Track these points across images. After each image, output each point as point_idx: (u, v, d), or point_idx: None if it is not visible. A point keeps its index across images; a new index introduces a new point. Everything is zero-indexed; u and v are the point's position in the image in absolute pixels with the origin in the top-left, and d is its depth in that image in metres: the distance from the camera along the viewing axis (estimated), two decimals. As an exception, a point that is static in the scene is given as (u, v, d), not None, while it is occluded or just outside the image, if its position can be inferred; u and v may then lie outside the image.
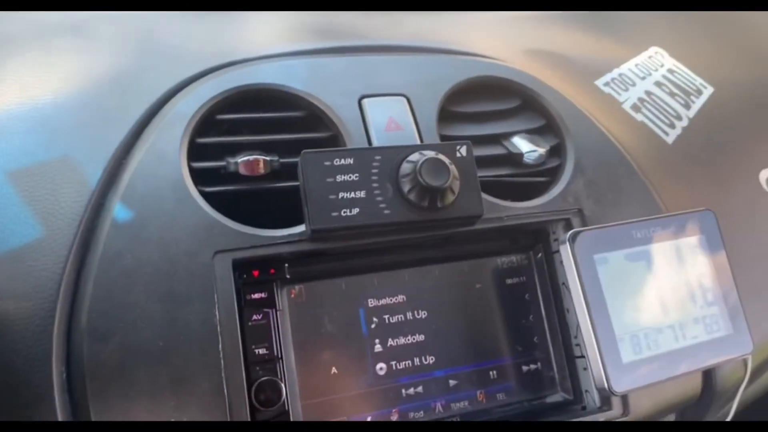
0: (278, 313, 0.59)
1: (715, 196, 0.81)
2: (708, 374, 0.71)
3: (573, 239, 0.61)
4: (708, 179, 0.82)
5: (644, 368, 0.60)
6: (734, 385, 0.72)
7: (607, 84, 0.86)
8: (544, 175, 0.72)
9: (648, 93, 0.87)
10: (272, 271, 0.60)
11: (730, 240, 0.68)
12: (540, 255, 0.70)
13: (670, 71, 0.92)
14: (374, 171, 0.59)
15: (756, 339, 0.67)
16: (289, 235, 0.59)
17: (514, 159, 0.71)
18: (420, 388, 0.63)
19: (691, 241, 0.67)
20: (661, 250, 0.65)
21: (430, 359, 0.64)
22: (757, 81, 0.97)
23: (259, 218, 0.60)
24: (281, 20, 0.77)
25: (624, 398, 0.66)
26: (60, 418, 0.50)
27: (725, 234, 0.68)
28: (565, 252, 0.61)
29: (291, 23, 0.77)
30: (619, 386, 0.59)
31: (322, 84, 0.67)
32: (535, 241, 0.71)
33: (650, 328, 0.62)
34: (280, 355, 0.58)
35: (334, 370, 0.61)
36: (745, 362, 0.71)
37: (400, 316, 0.64)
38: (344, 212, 0.57)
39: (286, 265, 0.60)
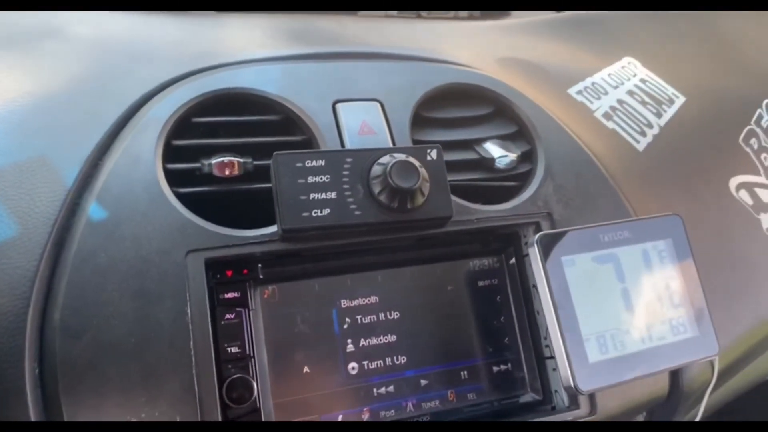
0: (251, 312, 0.60)
1: (684, 203, 0.82)
2: (675, 375, 0.73)
3: (541, 241, 0.62)
4: (678, 186, 0.84)
5: (610, 368, 0.61)
6: (701, 386, 0.73)
7: (579, 92, 0.88)
8: (515, 179, 0.73)
9: (620, 101, 0.89)
10: (245, 271, 0.61)
11: (698, 245, 0.70)
12: (511, 258, 0.71)
13: (643, 81, 0.94)
14: (345, 173, 0.60)
15: (722, 342, 0.68)
16: (261, 236, 0.59)
17: (485, 164, 0.72)
18: (391, 388, 0.64)
19: (659, 244, 0.68)
20: (629, 253, 0.66)
21: (402, 359, 0.65)
22: (727, 91, 0.99)
23: (233, 219, 0.61)
24: (258, 26, 0.78)
25: (591, 398, 0.67)
26: (32, 414, 0.51)
27: (694, 239, 0.69)
28: (534, 254, 0.62)
29: (268, 29, 0.78)
30: (585, 385, 0.60)
31: (297, 89, 0.68)
32: (507, 244, 0.72)
33: (617, 329, 0.63)
34: (252, 354, 0.59)
35: (306, 369, 0.61)
36: (711, 364, 0.72)
37: (372, 317, 0.65)
38: (315, 212, 0.58)
39: (260, 265, 0.61)
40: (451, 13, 1.06)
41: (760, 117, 0.97)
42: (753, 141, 0.94)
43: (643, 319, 0.65)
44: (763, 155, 0.93)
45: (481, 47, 0.90)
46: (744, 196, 0.88)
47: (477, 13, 1.08)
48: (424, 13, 1.04)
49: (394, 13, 1.01)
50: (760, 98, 1.00)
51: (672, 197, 0.82)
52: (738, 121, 0.95)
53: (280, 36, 0.77)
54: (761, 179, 0.91)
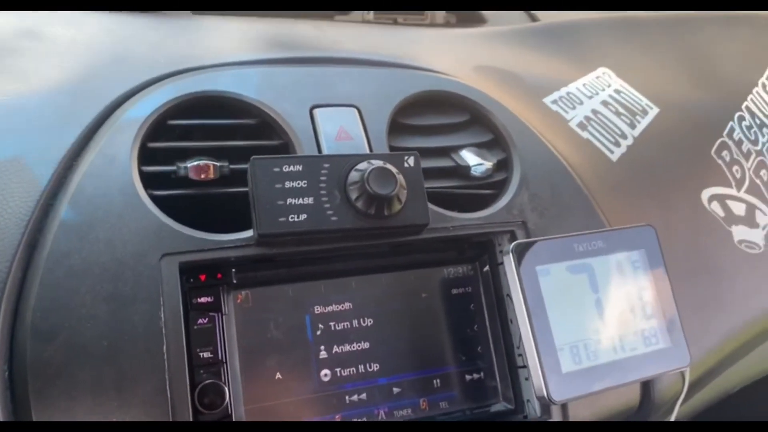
0: (224, 317, 0.60)
1: (657, 213, 0.83)
2: (646, 386, 0.73)
3: (516, 250, 0.63)
4: (651, 196, 0.85)
5: (583, 378, 0.62)
6: (672, 397, 0.74)
7: (554, 102, 0.88)
8: (491, 188, 0.74)
9: (594, 112, 0.89)
10: (219, 275, 0.60)
11: (670, 256, 0.70)
12: (486, 266, 0.72)
13: (617, 91, 0.94)
14: (323, 178, 0.60)
15: (694, 353, 0.69)
16: (237, 240, 0.59)
17: (461, 171, 0.73)
18: (364, 395, 0.64)
19: (632, 255, 0.68)
20: (602, 263, 0.66)
21: (375, 366, 0.65)
22: (700, 103, 1.00)
23: (209, 223, 0.60)
24: (237, 29, 0.78)
25: (563, 407, 0.67)
26: (1, 416, 0.50)
27: (666, 250, 0.70)
28: (508, 263, 0.62)
29: (247, 33, 0.77)
30: (559, 395, 0.60)
31: (275, 93, 0.68)
32: (482, 252, 0.72)
33: (590, 340, 0.63)
34: (224, 359, 0.59)
35: (278, 375, 0.61)
36: (682, 375, 0.73)
37: (346, 324, 0.64)
38: (291, 218, 0.58)
39: (234, 270, 0.61)
40: (427, 20, 1.06)
41: (732, 129, 0.98)
42: (725, 153, 0.95)
43: (615, 329, 0.65)
44: (734, 167, 0.95)
45: (458, 55, 0.90)
46: (716, 208, 0.89)
47: (453, 19, 1.09)
48: (400, 19, 1.04)
49: (371, 17, 1.01)
50: (732, 110, 1.01)
51: (645, 208, 0.83)
52: (710, 133, 0.96)
53: (258, 40, 0.76)
54: (733, 191, 0.92)
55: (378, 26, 0.95)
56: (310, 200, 0.59)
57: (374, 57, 0.79)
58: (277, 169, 0.58)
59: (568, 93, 0.90)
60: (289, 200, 0.58)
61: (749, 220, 0.91)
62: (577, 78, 0.93)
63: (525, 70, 0.92)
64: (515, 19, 1.10)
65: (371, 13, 1.02)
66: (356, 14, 1.01)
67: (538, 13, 1.12)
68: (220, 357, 0.58)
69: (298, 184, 0.59)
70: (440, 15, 1.08)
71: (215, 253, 0.58)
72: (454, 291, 0.70)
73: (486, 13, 1.08)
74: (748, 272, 0.86)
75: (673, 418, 0.73)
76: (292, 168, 0.59)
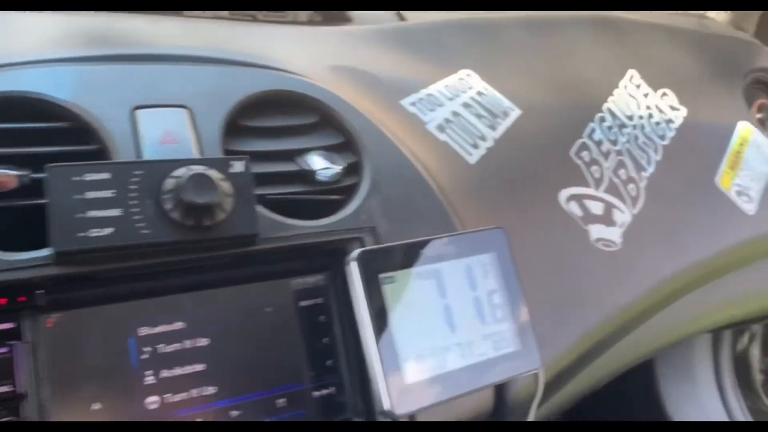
0: (27, 345, 0.53)
1: (513, 215, 0.82)
2: (500, 390, 0.72)
3: (359, 258, 0.59)
4: (508, 198, 0.84)
5: (429, 388, 0.60)
6: (527, 400, 0.72)
7: (413, 104, 0.86)
8: (340, 193, 0.70)
9: (455, 114, 0.88)
10: (23, 298, 0.54)
11: (525, 257, 0.70)
12: (337, 275, 0.68)
13: (479, 93, 0.93)
14: (133, 187, 0.54)
15: (548, 354, 0.69)
16: (33, 259, 0.53)
17: (307, 176, 0.69)
18: (197, 421, 0.59)
19: (482, 258, 0.67)
20: (451, 267, 0.65)
21: (212, 389, 0.60)
22: (562, 104, 1.00)
23: (10, 240, 0.54)
24: (54, 24, 0.71)
25: (412, 418, 0.64)
26: None
27: (521, 251, 0.69)
28: (350, 271, 0.59)
29: (64, 28, 0.70)
30: (401, 408, 0.57)
31: (91, 93, 0.61)
32: (333, 260, 0.68)
33: (437, 347, 0.61)
34: (26, 393, 0.52)
35: (97, 406, 0.55)
36: (536, 377, 0.71)
37: (177, 345, 0.59)
38: (93, 232, 0.52)
39: (41, 291, 0.54)
40: (290, 17, 1.02)
41: (593, 130, 0.99)
42: (584, 154, 0.96)
43: (464, 335, 0.63)
44: (593, 167, 0.95)
45: (315, 54, 0.86)
46: (573, 207, 0.89)
47: (318, 17, 1.05)
48: (260, 16, 0.99)
49: (226, 13, 0.95)
50: (593, 112, 1.02)
51: (502, 210, 0.82)
52: (571, 135, 0.97)
53: (77, 35, 0.69)
54: (591, 191, 0.93)
55: (230, 23, 0.89)
56: (117, 212, 0.53)
57: (212, 54, 0.74)
58: (77, 178, 0.52)
59: (428, 95, 0.88)
60: (91, 212, 0.52)
61: (606, 219, 0.91)
62: (439, 79, 0.91)
63: (384, 71, 0.89)
64: (382, 18, 1.07)
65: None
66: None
67: (407, 14, 1.10)
68: (21, 390, 0.52)
69: (104, 194, 0.53)
70: (304, 12, 1.03)
71: (9, 273, 0.52)
72: (303, 303, 0.67)
73: (352, 12, 1.05)
74: (604, 270, 0.86)
75: (530, 419, 0.72)
76: (96, 176, 0.53)
